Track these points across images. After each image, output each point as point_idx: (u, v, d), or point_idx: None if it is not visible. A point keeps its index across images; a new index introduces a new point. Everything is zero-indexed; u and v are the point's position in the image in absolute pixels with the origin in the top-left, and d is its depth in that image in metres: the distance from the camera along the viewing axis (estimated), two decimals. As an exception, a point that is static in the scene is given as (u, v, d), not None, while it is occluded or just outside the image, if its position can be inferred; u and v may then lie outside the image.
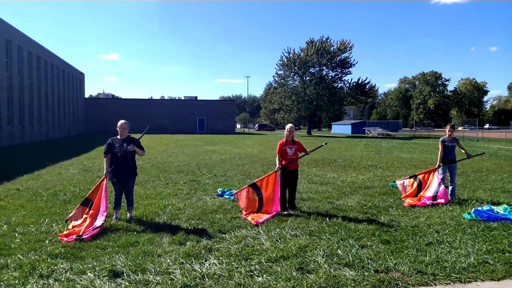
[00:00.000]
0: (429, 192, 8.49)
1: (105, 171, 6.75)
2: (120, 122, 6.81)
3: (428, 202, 8.18)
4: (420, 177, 8.84)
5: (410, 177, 9.02)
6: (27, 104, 31.02)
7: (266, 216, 6.99)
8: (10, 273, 4.47)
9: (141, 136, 7.04)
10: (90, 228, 6.06)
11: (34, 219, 6.81)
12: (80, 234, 5.82)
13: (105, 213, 6.36)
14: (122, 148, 6.68)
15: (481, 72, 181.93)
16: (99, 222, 6.21)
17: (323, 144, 8.74)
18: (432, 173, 8.76)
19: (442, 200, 8.23)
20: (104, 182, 6.67)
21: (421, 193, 8.58)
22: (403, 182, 9.01)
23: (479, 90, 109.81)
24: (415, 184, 8.76)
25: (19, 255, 5.01)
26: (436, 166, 8.80)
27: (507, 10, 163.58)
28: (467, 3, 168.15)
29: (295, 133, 7.94)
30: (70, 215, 6.72)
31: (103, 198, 6.49)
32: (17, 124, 28.82)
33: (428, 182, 8.65)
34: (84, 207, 6.65)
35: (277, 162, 7.65)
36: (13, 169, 13.15)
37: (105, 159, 6.79)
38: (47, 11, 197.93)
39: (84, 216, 6.49)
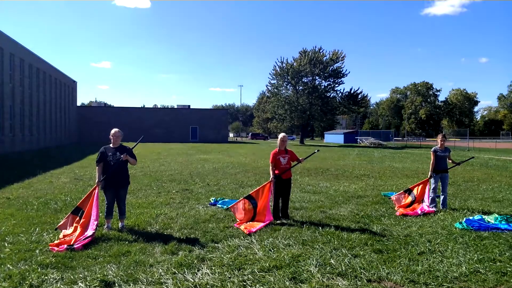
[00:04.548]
0: (423, 204, 8.62)
1: (97, 180, 6.70)
2: (114, 130, 6.80)
3: (419, 212, 8.25)
4: (414, 191, 8.91)
5: (405, 192, 9.08)
6: (18, 112, 30.76)
7: (259, 226, 6.97)
8: (0, 284, 4.41)
9: (134, 146, 7.00)
10: (81, 237, 6.00)
11: (24, 228, 6.72)
12: (71, 243, 5.76)
13: (96, 222, 6.30)
14: (115, 157, 6.65)
15: (471, 83, 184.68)
16: (90, 231, 6.15)
17: (315, 151, 8.81)
18: (425, 185, 8.84)
19: (428, 210, 8.39)
20: (96, 191, 6.62)
21: (414, 205, 8.66)
22: (398, 198, 9.04)
23: (470, 100, 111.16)
24: (409, 198, 8.85)
25: (8, 265, 4.94)
26: (428, 176, 8.88)
27: (497, 22, 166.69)
28: (457, 15, 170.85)
29: (288, 142, 7.97)
30: (60, 223, 6.65)
31: (95, 207, 6.43)
32: (7, 132, 28.54)
33: (422, 195, 8.77)
34: (75, 216, 6.58)
35: (271, 172, 7.67)
36: (3, 178, 12.99)
37: (97, 167, 6.75)
38: (39, 19, 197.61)
39: (75, 225, 6.42)
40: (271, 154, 7.76)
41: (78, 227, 6.27)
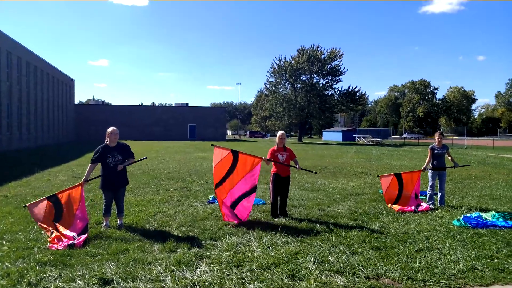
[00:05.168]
0: (413, 197, 8.69)
1: (84, 178, 6.55)
2: (111, 129, 6.73)
3: (413, 207, 8.32)
4: (403, 177, 8.85)
5: (395, 175, 8.94)
6: (16, 110, 30.68)
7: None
8: (-2, 281, 4.40)
9: (131, 163, 6.96)
10: (75, 235, 5.94)
11: (22, 226, 6.72)
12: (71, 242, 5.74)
13: (87, 223, 6.26)
14: (115, 159, 6.62)
15: (469, 81, 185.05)
16: (77, 232, 6.06)
17: (314, 172, 8.98)
18: (416, 176, 8.85)
19: (424, 207, 8.44)
20: (82, 191, 6.44)
21: (402, 193, 8.67)
22: (386, 180, 8.92)
23: (468, 98, 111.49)
24: (397, 185, 8.77)
25: (6, 263, 4.93)
26: (422, 168, 8.90)
27: (495, 20, 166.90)
28: (455, 13, 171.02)
29: (286, 140, 7.98)
30: (32, 202, 6.37)
31: (81, 208, 6.34)
32: (5, 130, 28.46)
33: (411, 183, 8.79)
34: (49, 202, 6.24)
35: (266, 158, 7.56)
36: (1, 176, 12.96)
37: (90, 165, 6.63)
38: (37, 17, 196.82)
39: (57, 226, 6.16)
40: (269, 151, 7.76)
41: (60, 227, 6.10)
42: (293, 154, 7.83)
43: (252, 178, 7.28)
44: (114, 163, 6.60)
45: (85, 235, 5.99)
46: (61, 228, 6.10)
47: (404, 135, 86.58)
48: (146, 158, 7.93)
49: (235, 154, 7.29)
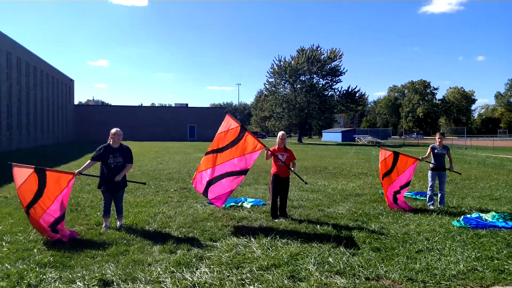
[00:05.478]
0: (399, 181, 8.56)
1: (78, 170, 6.41)
2: (114, 130, 6.72)
3: (391, 198, 8.49)
4: (400, 157, 8.67)
5: (393, 152, 8.76)
6: (16, 111, 30.68)
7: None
8: (-3, 283, 4.39)
9: (131, 181, 7.03)
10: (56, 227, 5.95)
11: (22, 227, 6.71)
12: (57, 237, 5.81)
13: (64, 212, 6.18)
14: (116, 160, 6.61)
15: (469, 81, 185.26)
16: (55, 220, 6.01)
17: (305, 183, 8.76)
18: (412, 162, 8.68)
19: (397, 206, 8.50)
20: (72, 181, 6.23)
21: (392, 172, 8.57)
22: (385, 153, 8.77)
23: (467, 98, 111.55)
24: (391, 162, 8.65)
25: (6, 264, 4.93)
26: (420, 158, 8.85)
27: (494, 20, 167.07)
28: (454, 13, 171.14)
29: (287, 141, 7.97)
30: (19, 165, 6.14)
31: (67, 194, 6.17)
32: (4, 130, 28.46)
33: (402, 168, 8.64)
34: (35, 173, 6.00)
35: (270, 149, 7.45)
36: (1, 177, 12.94)
37: (89, 161, 6.54)
38: (36, 17, 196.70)
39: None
40: (271, 149, 7.73)
41: (38, 209, 5.93)
42: (293, 156, 7.82)
43: (245, 162, 7.05)
44: (115, 164, 6.59)
45: (71, 233, 6.04)
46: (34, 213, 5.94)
47: (405, 136, 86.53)
48: (145, 183, 7.84)
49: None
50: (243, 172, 7.12)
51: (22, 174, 6.08)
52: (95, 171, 6.88)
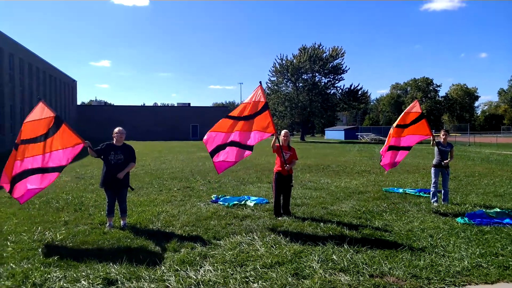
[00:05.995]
0: (405, 140, 8.88)
1: (87, 142, 6.33)
2: (117, 128, 6.86)
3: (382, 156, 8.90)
4: (422, 122, 8.77)
5: (421, 113, 8.89)
6: (19, 111, 30.78)
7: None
8: (3, 282, 4.41)
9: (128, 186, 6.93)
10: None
11: (26, 227, 6.74)
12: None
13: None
14: (117, 157, 6.67)
15: (471, 78, 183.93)
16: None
17: (291, 184, 7.85)
18: (426, 133, 8.79)
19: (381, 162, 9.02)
20: (79, 146, 6.21)
21: (404, 129, 8.85)
22: (414, 107, 8.94)
23: (470, 95, 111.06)
24: (411, 120, 8.81)
25: (11, 264, 4.95)
26: (432, 135, 8.83)
27: (496, 17, 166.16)
28: (456, 10, 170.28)
29: (290, 139, 7.96)
30: (45, 104, 6.12)
31: (65, 154, 6.07)
32: (8, 131, 28.58)
33: (416, 130, 8.82)
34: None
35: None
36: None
37: (93, 150, 6.52)
38: (38, 18, 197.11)
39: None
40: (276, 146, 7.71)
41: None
42: (296, 155, 7.82)
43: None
44: (115, 161, 6.66)
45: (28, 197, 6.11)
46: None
47: None
48: (133, 189, 7.60)
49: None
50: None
51: (42, 112, 6.10)
52: (98, 171, 6.89)
